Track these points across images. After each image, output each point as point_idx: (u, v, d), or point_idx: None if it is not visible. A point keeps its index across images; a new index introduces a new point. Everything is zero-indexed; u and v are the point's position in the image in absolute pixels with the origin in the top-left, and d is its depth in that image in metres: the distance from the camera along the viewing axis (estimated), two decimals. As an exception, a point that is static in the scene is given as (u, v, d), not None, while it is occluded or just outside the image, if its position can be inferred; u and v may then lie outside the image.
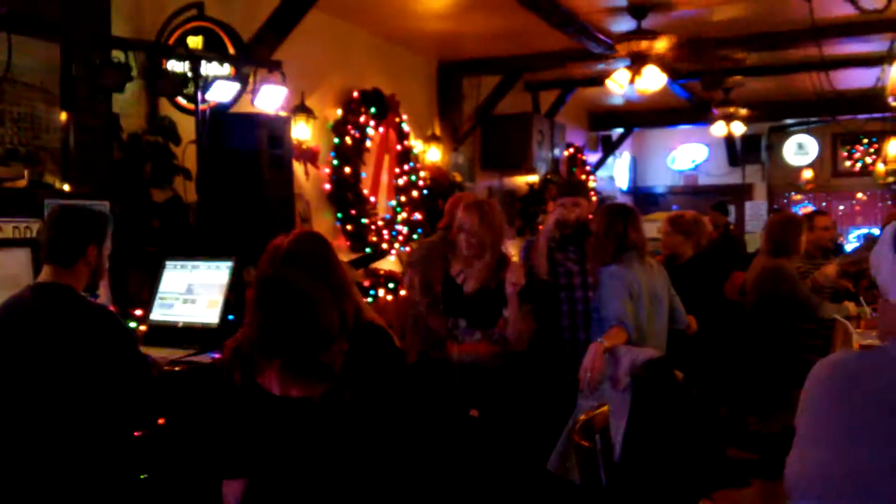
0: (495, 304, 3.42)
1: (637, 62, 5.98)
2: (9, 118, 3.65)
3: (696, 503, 3.19)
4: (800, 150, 12.15)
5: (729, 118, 9.24)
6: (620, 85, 6.25)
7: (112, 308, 3.57)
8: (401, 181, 6.92)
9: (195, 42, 4.40)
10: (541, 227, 8.48)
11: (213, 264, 3.68)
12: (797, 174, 12.10)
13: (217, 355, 3.42)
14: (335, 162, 6.12)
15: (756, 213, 11.73)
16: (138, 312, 3.89)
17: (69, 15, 3.85)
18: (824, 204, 11.90)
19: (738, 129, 9.43)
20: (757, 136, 11.76)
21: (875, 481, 1.82)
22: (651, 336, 3.62)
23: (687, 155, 12.62)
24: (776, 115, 10.81)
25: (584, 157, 10.47)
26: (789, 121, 11.50)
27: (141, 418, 3.02)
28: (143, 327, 3.79)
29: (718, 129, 9.40)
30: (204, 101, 4.19)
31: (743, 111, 9.30)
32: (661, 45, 5.78)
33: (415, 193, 7.00)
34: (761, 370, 4.52)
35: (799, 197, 12.35)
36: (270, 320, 2.07)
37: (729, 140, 11.36)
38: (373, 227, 6.41)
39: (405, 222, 6.86)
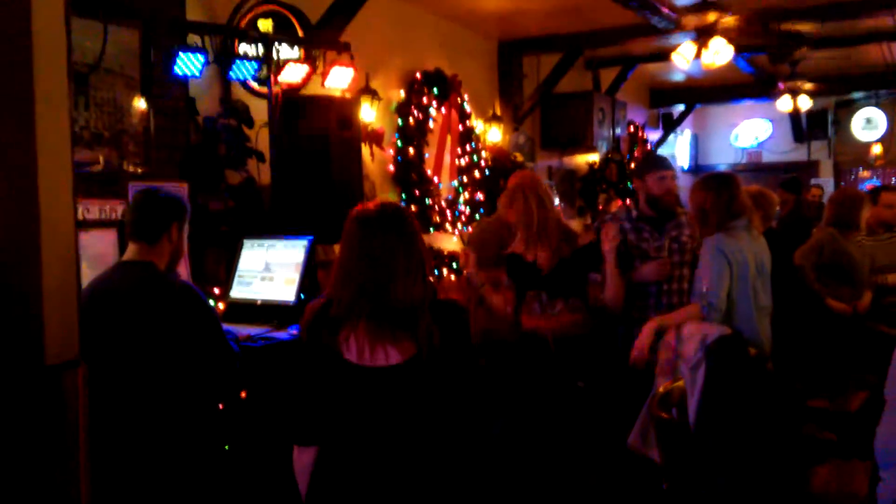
0: (574, 271, 3.45)
1: (703, 35, 5.88)
2: (93, 103, 3.79)
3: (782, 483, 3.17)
4: (868, 124, 11.80)
5: (795, 92, 9.04)
6: (686, 59, 6.16)
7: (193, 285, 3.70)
8: (463, 161, 6.95)
9: (265, 25, 4.49)
10: (601, 207, 8.42)
11: (290, 242, 3.78)
12: (865, 150, 11.76)
13: (295, 332, 3.52)
14: (399, 143, 6.18)
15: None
16: (216, 290, 4.02)
17: (147, 1, 3.97)
18: (894, 180, 11.56)
19: (805, 103, 9.22)
20: (823, 111, 11.46)
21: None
22: (759, 309, 3.52)
23: (750, 131, 12.37)
24: (843, 88, 10.52)
25: (644, 136, 10.35)
26: (857, 94, 11.18)
27: (224, 390, 3.13)
28: (221, 305, 3.92)
29: (784, 103, 9.20)
30: (276, 83, 4.28)
31: (809, 85, 9.09)
32: (729, 18, 5.68)
33: (476, 174, 7.02)
34: (831, 349, 4.46)
35: (867, 173, 12.02)
36: (361, 286, 2.07)
37: (794, 115, 11.10)
38: (436, 207, 6.46)
39: (467, 202, 6.89)
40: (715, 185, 3.59)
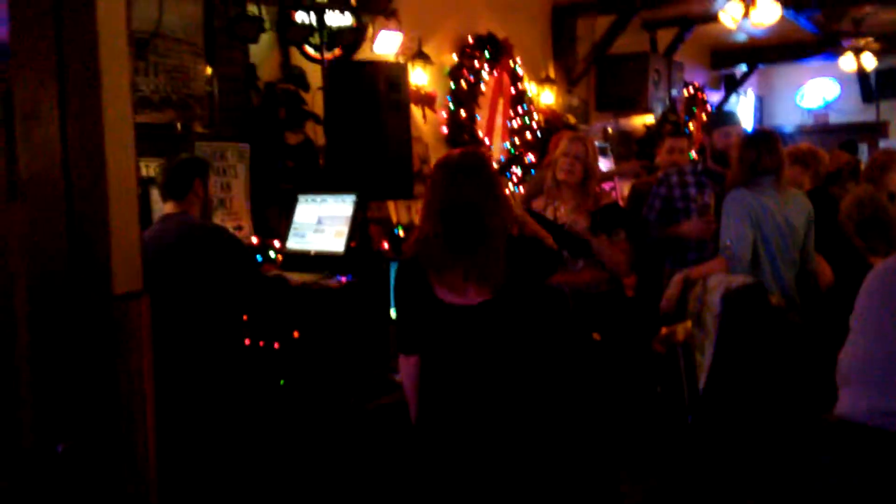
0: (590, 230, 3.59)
1: (751, -5, 5.92)
2: (161, 69, 4.14)
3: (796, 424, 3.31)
4: (941, 83, 11.46)
5: (859, 51, 8.88)
6: (734, 18, 6.19)
7: (255, 238, 4.11)
8: (515, 123, 7.14)
9: (320, -6, 4.75)
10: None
11: (340, 198, 4.08)
12: (938, 109, 11.45)
13: (343, 279, 3.84)
14: (451, 106, 6.41)
15: (890, 151, 11.18)
16: (277, 243, 4.36)
17: (210, -25, 4.29)
18: (968, 140, 11.23)
19: (869, 62, 9.04)
20: (893, 70, 11.17)
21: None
22: (784, 261, 3.61)
23: (816, 92, 12.13)
24: (914, 47, 10.25)
25: (704, 97, 10.30)
26: (930, 52, 10.86)
27: (256, 310, 3.58)
28: (280, 256, 4.27)
29: (847, 63, 9.05)
30: (329, 49, 4.57)
31: (875, 44, 8.92)
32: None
33: (529, 136, 7.20)
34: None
35: (940, 134, 11.69)
36: (449, 226, 2.33)
37: (862, 75, 10.85)
38: (488, 167, 6.67)
39: (519, 164, 7.09)
40: (745, 142, 3.71)
